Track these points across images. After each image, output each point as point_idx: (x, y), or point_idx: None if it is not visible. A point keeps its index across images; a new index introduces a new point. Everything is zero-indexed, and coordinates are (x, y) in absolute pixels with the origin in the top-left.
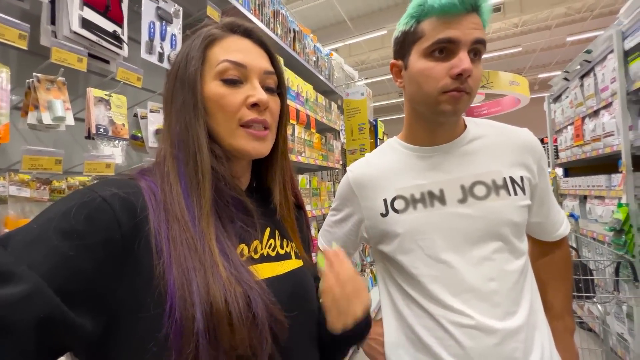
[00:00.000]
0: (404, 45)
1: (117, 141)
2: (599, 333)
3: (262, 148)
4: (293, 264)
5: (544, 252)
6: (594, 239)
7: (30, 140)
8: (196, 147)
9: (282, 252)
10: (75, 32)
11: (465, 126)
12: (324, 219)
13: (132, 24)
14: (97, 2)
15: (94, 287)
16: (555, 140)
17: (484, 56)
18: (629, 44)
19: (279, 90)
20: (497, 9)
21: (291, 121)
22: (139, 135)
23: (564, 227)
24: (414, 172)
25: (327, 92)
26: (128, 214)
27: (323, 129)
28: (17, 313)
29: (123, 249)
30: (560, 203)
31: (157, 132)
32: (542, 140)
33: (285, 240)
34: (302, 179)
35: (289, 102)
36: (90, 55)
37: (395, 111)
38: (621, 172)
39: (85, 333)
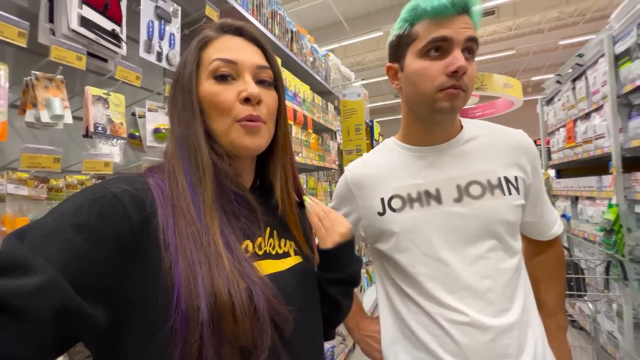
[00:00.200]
0: (399, 48)
1: (115, 140)
2: (589, 331)
3: (257, 141)
4: (293, 260)
5: (538, 251)
6: (585, 238)
7: (26, 138)
8: (196, 145)
9: (280, 251)
10: (74, 31)
11: (462, 127)
12: None
13: (130, 23)
14: (97, 1)
15: (105, 279)
16: (548, 142)
17: (478, 58)
18: (620, 48)
19: (276, 83)
20: (491, 12)
21: (288, 121)
22: (137, 134)
23: (557, 227)
24: (410, 171)
25: (324, 92)
26: (137, 209)
27: (320, 130)
28: (34, 303)
29: (132, 242)
30: (553, 204)
31: (156, 131)
32: (535, 142)
33: (283, 240)
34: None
35: (286, 102)
36: (89, 54)
37: (390, 112)
38: (611, 173)
39: (96, 323)
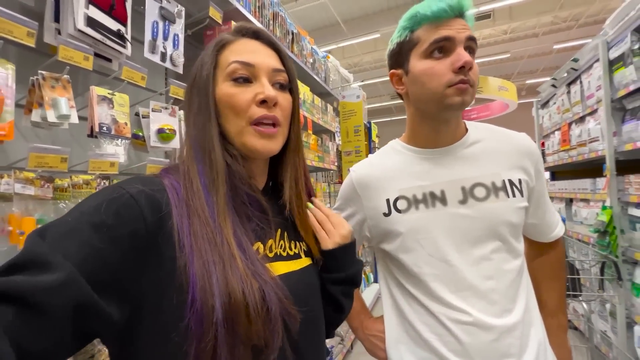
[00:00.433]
0: (401, 54)
1: (119, 140)
2: (583, 331)
3: (271, 145)
4: (303, 262)
5: (539, 252)
6: (579, 240)
7: (29, 137)
8: (210, 146)
9: (291, 253)
10: (80, 30)
11: (466, 130)
12: None
13: (134, 23)
14: (103, 1)
15: (120, 277)
16: (543, 145)
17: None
18: (614, 53)
19: (290, 86)
20: (487, 15)
21: None
22: (140, 134)
23: (559, 229)
24: (416, 173)
25: (323, 94)
26: (153, 209)
27: (319, 131)
28: (53, 299)
29: (147, 242)
30: None
31: (159, 131)
32: None
33: (293, 241)
34: None
35: None
36: (94, 54)
37: (387, 114)
38: (605, 176)
39: (112, 320)
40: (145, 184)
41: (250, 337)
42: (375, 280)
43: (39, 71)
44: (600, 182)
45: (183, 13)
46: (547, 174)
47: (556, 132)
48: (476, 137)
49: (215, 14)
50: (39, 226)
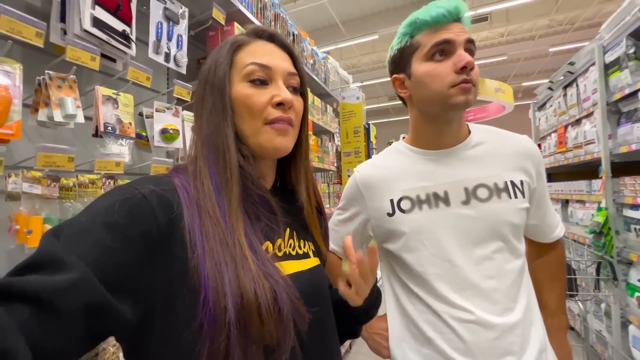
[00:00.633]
0: (402, 59)
1: (124, 140)
2: (579, 331)
3: (285, 143)
4: (312, 262)
5: (540, 253)
6: (575, 240)
7: (33, 137)
8: (225, 146)
9: (300, 252)
10: (86, 31)
11: (469, 132)
12: None
13: (137, 24)
14: (109, 2)
15: (133, 276)
16: (540, 147)
17: None
18: (609, 58)
19: (302, 89)
20: (484, 18)
21: None
22: (144, 134)
23: (559, 230)
24: (420, 174)
25: (323, 95)
26: (164, 209)
27: (319, 131)
28: (67, 299)
29: (159, 242)
30: None
31: (163, 131)
32: None
33: (302, 240)
34: None
35: None
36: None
37: (384, 115)
38: (601, 178)
39: (124, 320)
40: (157, 183)
41: (263, 337)
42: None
43: (46, 71)
44: (596, 183)
45: (187, 14)
46: None
47: (553, 134)
48: (479, 139)
49: (218, 15)
50: (52, 226)
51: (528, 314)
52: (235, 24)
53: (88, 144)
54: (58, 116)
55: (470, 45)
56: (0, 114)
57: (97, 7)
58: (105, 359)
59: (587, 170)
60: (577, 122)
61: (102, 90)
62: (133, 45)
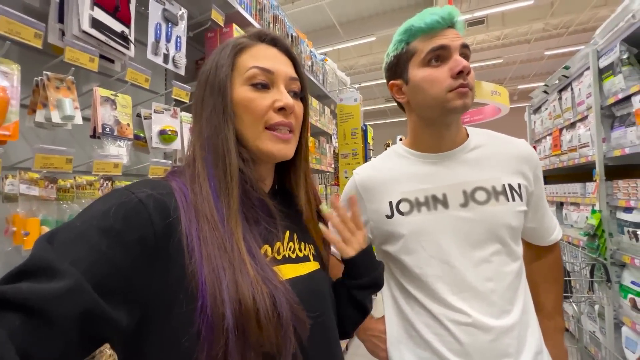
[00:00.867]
0: (399, 65)
1: (122, 141)
2: (573, 332)
3: (287, 150)
4: (312, 265)
5: (537, 255)
6: (569, 242)
7: (30, 138)
8: (225, 149)
9: (300, 254)
10: (84, 32)
11: (467, 135)
12: None
13: (136, 25)
14: (107, 3)
15: (129, 282)
16: (535, 149)
17: None
18: (604, 62)
19: (302, 94)
20: (480, 21)
21: None
22: (142, 135)
23: (557, 233)
24: (419, 176)
25: (321, 96)
26: (161, 214)
27: (317, 133)
28: (59, 307)
29: (156, 247)
30: None
31: (161, 132)
32: None
33: (303, 243)
34: None
35: None
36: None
37: (381, 116)
38: (595, 181)
39: (120, 326)
40: (154, 187)
41: (262, 344)
42: None
43: (44, 72)
44: (590, 186)
45: (185, 15)
46: None
47: (548, 137)
48: (477, 142)
49: (217, 16)
50: (50, 228)
51: (524, 317)
52: (234, 25)
53: (86, 145)
54: (56, 117)
55: (465, 50)
56: None
57: (95, 8)
58: None
59: (581, 173)
60: (572, 125)
61: (100, 92)
62: (132, 46)
